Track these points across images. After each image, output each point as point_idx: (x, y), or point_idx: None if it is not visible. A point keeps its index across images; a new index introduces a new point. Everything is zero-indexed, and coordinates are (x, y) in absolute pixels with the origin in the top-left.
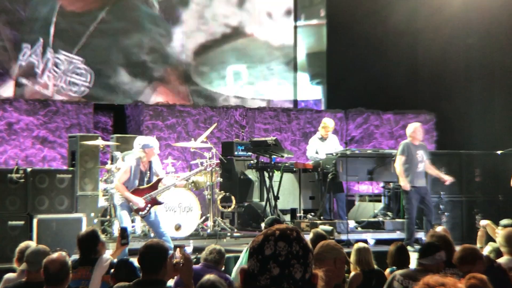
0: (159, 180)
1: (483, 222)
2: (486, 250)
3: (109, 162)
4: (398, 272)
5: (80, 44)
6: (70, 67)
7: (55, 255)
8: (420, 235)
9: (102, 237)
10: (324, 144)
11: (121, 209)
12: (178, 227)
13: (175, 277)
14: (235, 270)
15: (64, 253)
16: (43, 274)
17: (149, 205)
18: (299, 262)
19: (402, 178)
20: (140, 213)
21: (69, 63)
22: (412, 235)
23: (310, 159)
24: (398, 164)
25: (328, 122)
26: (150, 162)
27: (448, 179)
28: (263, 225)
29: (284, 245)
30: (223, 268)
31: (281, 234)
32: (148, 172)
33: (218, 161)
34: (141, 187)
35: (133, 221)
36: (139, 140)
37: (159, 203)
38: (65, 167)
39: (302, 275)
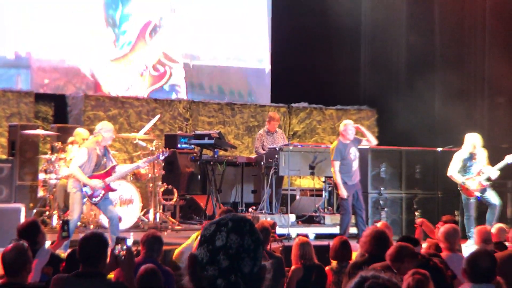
0: (113, 167)
1: (419, 220)
2: (423, 247)
3: (49, 152)
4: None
5: None
6: None
7: (11, 245)
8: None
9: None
10: (271, 138)
11: (74, 198)
12: (119, 219)
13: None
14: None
15: (21, 242)
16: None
17: (103, 192)
18: (249, 256)
19: (340, 186)
20: (93, 199)
21: None
22: (346, 230)
23: (257, 153)
24: (335, 170)
25: (275, 116)
26: (105, 148)
27: (368, 141)
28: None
29: (236, 238)
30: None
31: (233, 226)
32: (104, 157)
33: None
34: (95, 173)
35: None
36: (100, 125)
37: (113, 189)
38: (4, 157)
39: (251, 269)
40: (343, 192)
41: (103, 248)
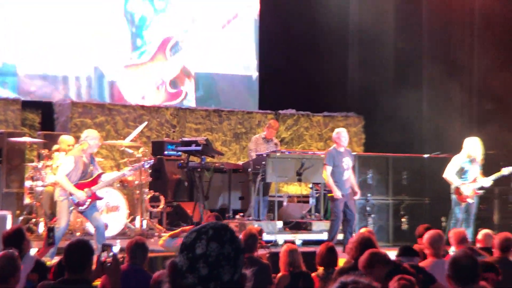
0: (99, 175)
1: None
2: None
3: (35, 159)
4: None
5: None
6: None
7: (1, 252)
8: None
9: (28, 235)
10: (266, 145)
11: (61, 206)
12: (105, 226)
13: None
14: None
15: (11, 251)
16: None
17: (89, 200)
18: (229, 264)
19: (333, 188)
20: (80, 208)
21: None
22: (334, 236)
23: (249, 156)
24: (326, 174)
25: (275, 125)
26: (91, 156)
27: (357, 196)
28: None
29: (216, 246)
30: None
31: (214, 234)
32: (91, 165)
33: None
34: (82, 181)
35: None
36: (85, 133)
37: (99, 198)
38: None
39: (231, 277)
40: (337, 193)
41: (89, 255)
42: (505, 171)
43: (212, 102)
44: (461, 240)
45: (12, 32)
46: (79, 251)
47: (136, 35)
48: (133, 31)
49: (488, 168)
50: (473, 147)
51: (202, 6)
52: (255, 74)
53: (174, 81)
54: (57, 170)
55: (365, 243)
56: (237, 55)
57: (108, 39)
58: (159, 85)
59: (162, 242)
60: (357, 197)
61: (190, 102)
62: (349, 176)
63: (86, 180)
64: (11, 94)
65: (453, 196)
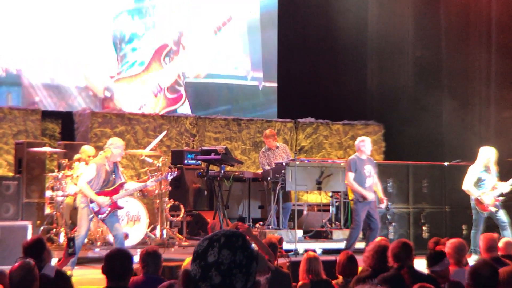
0: (121, 184)
1: None
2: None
3: (55, 169)
4: None
5: None
6: None
7: (18, 263)
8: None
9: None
10: (273, 155)
11: (82, 213)
12: (125, 236)
13: None
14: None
15: (28, 261)
16: (8, 284)
17: (109, 209)
18: (242, 271)
19: (360, 191)
20: (99, 216)
21: None
22: (353, 244)
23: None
24: (350, 180)
25: (266, 133)
26: (115, 164)
27: (383, 204)
28: None
29: (228, 253)
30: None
31: (226, 241)
32: (113, 173)
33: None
34: (105, 189)
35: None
36: (110, 141)
37: (119, 207)
38: (11, 174)
39: (244, 284)
40: (366, 194)
41: (129, 263)
42: None
43: (202, 107)
44: (491, 247)
45: (16, 41)
46: (121, 259)
47: (127, 49)
48: (122, 47)
49: (508, 176)
50: (488, 156)
51: (194, 13)
52: (250, 75)
53: (172, 87)
54: (77, 180)
55: (382, 251)
56: (231, 59)
57: (99, 56)
58: (157, 92)
59: None
60: (384, 204)
61: (186, 107)
62: (372, 184)
63: (108, 188)
64: (14, 104)
65: (475, 207)
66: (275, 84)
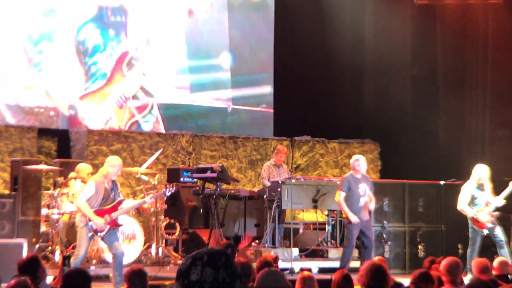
0: (119, 202)
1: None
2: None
3: (51, 187)
4: None
5: None
6: None
7: (13, 280)
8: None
9: (43, 263)
10: (277, 171)
11: (81, 232)
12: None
13: None
14: None
15: (24, 278)
16: None
17: (108, 226)
18: None
19: (347, 212)
20: (99, 234)
21: None
22: (347, 263)
23: (263, 185)
24: (339, 199)
25: (283, 149)
26: (113, 182)
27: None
28: None
29: (211, 271)
30: None
31: (209, 260)
32: (113, 191)
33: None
34: (103, 207)
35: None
36: (109, 158)
37: (118, 225)
38: (7, 192)
39: None
40: (352, 217)
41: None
42: None
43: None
44: (483, 269)
45: None
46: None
47: (90, 64)
48: (86, 61)
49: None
50: (480, 173)
51: (156, 22)
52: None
53: (137, 95)
54: (73, 198)
55: (376, 270)
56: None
57: (62, 73)
58: (122, 103)
59: None
60: (372, 205)
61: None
62: (366, 203)
63: (107, 206)
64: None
65: (472, 225)
66: (271, 94)
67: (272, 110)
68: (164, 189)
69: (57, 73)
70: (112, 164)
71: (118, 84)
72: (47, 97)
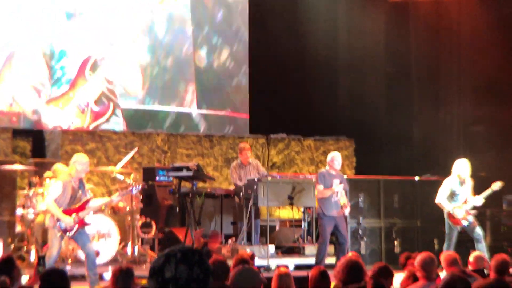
0: (87, 201)
1: None
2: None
3: (26, 187)
4: None
5: None
6: None
7: None
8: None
9: (18, 263)
10: (244, 171)
11: (52, 233)
12: (96, 253)
13: None
14: None
15: (3, 278)
16: None
17: (77, 225)
18: (199, 286)
19: (326, 191)
20: (68, 233)
21: None
22: (322, 259)
23: (236, 185)
24: (319, 191)
25: (245, 146)
26: (80, 181)
27: (347, 209)
28: None
29: (185, 268)
30: None
31: (182, 257)
32: (80, 190)
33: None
34: (72, 206)
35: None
36: (74, 157)
37: (86, 224)
38: None
39: None
40: (328, 191)
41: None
42: (494, 186)
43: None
44: (452, 262)
45: None
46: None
47: (56, 69)
48: (52, 65)
49: (479, 190)
50: (462, 169)
51: (118, 23)
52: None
53: (99, 100)
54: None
55: (352, 266)
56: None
57: (28, 77)
58: (84, 107)
59: None
60: (347, 210)
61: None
62: (338, 199)
63: (75, 205)
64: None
65: (448, 221)
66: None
67: (247, 109)
68: (131, 187)
69: (24, 77)
70: (80, 162)
71: (80, 89)
72: (13, 101)
